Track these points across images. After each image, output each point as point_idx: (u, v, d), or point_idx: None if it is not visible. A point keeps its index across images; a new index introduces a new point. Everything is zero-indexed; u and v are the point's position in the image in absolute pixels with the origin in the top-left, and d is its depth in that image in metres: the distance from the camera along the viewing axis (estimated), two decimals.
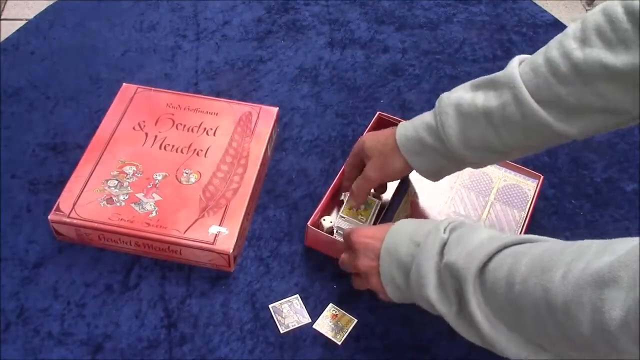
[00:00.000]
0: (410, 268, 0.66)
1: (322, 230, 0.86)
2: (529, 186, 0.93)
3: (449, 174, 0.82)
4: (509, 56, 1.19)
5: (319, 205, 0.87)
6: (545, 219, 0.91)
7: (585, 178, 1.00)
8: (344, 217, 0.86)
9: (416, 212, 0.89)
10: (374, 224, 0.86)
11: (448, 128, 0.74)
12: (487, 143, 0.73)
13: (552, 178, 0.98)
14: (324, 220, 0.87)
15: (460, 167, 0.79)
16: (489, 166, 0.95)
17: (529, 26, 1.26)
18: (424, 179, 0.83)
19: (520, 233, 0.87)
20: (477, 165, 0.79)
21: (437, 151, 0.77)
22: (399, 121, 0.92)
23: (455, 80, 1.13)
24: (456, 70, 1.15)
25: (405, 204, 0.88)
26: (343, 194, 0.90)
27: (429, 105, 1.09)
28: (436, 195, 0.91)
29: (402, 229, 0.70)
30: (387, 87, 1.12)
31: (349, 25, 1.24)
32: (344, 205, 0.87)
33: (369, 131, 0.96)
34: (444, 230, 0.66)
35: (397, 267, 0.68)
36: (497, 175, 0.95)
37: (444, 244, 0.64)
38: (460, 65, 1.16)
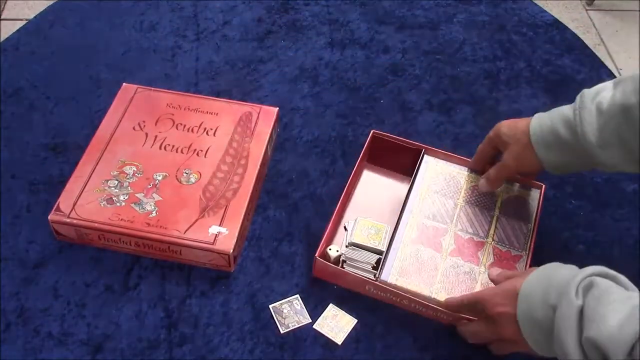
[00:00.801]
0: (552, 330, 0.64)
1: (329, 261, 0.84)
2: (532, 197, 0.91)
3: (574, 171, 0.81)
4: (508, 56, 1.19)
5: (325, 235, 0.84)
6: (545, 219, 0.91)
7: (585, 178, 1.00)
8: (354, 245, 0.85)
9: (424, 233, 0.86)
10: (388, 249, 0.84)
11: (587, 125, 0.72)
12: (622, 141, 0.71)
13: (552, 178, 0.98)
14: (329, 249, 0.84)
15: (588, 166, 0.78)
16: None
17: (529, 26, 1.26)
18: (428, 196, 0.87)
19: (529, 245, 0.86)
20: (605, 167, 0.76)
21: (569, 146, 0.75)
22: (395, 140, 0.93)
23: (455, 81, 1.13)
24: (456, 70, 1.15)
25: (411, 225, 0.87)
26: (347, 222, 0.89)
27: (429, 105, 1.09)
28: (442, 214, 0.88)
29: (532, 291, 0.67)
30: (387, 87, 1.12)
31: (349, 25, 1.24)
32: (351, 231, 0.86)
33: (365, 151, 0.94)
34: (576, 293, 0.62)
35: (539, 332, 0.66)
36: (500, 189, 0.92)
37: (581, 312, 0.61)
38: (460, 65, 1.16)
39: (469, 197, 0.91)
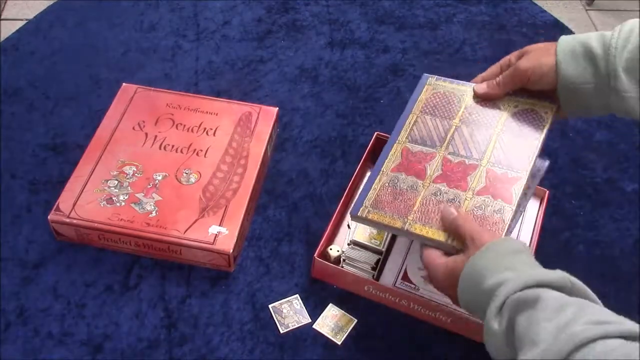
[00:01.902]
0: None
1: (329, 260, 0.83)
2: (543, 109, 0.77)
3: (583, 104, 0.74)
4: None
5: (325, 234, 0.84)
6: (545, 219, 0.91)
7: (585, 178, 1.00)
8: (355, 243, 0.84)
9: (406, 159, 0.77)
10: (388, 249, 0.84)
11: (624, 41, 0.69)
12: None
13: (552, 178, 0.98)
14: (330, 249, 0.84)
15: (602, 98, 0.72)
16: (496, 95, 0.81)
17: (529, 26, 1.26)
18: (419, 119, 0.79)
19: (532, 164, 0.75)
20: (620, 104, 0.70)
21: (594, 62, 0.71)
22: None
23: None
24: (456, 70, 1.15)
25: (395, 152, 0.79)
26: (349, 221, 0.88)
27: None
28: (432, 137, 0.79)
29: (465, 290, 0.64)
30: (387, 87, 1.12)
31: (349, 25, 1.24)
32: (354, 230, 0.85)
33: (368, 153, 0.94)
34: (497, 315, 0.58)
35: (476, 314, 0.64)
36: (507, 103, 0.79)
37: (507, 331, 0.58)
38: (460, 65, 1.16)
39: (467, 116, 0.80)
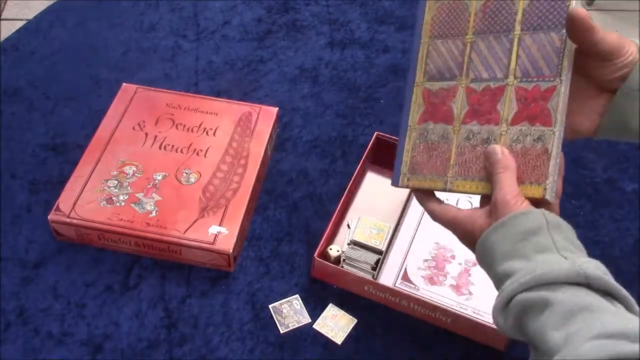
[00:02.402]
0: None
1: (329, 260, 0.84)
2: None
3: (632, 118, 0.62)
4: None
5: (325, 234, 0.84)
6: None
7: (585, 178, 1.00)
8: (355, 243, 0.84)
9: (430, 103, 0.68)
10: (387, 249, 0.84)
11: None
12: None
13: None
14: (330, 249, 0.85)
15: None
16: None
17: None
18: (431, 48, 0.69)
19: (564, 65, 0.61)
20: None
21: None
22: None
23: None
24: None
25: (416, 99, 0.69)
26: (349, 221, 0.88)
27: None
28: (449, 66, 0.68)
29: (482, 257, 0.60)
30: (387, 87, 1.12)
31: (349, 25, 1.24)
32: (354, 230, 0.85)
33: (368, 153, 0.93)
34: (502, 311, 0.55)
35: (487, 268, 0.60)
36: None
37: (512, 331, 0.55)
38: None
39: (480, 24, 0.67)
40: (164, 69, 1.12)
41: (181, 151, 0.92)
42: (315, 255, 0.82)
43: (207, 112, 0.98)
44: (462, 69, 0.67)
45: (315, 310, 0.82)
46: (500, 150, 0.61)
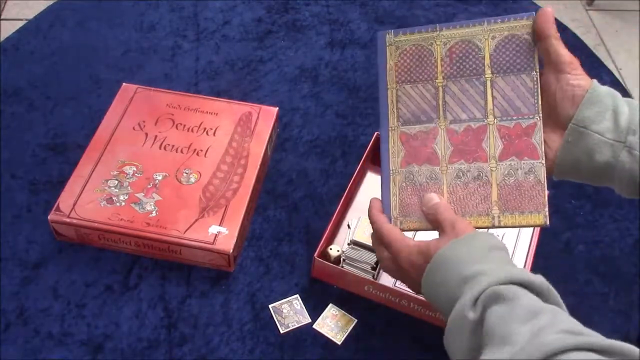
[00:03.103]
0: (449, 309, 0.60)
1: (329, 260, 0.84)
2: (526, 28, 0.67)
3: (585, 154, 0.64)
4: None
5: (325, 234, 0.84)
6: None
7: None
8: (355, 243, 0.84)
9: (410, 146, 0.69)
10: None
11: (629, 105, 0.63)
12: None
13: (552, 178, 0.98)
14: (330, 249, 0.84)
15: (611, 152, 0.63)
16: (471, 32, 0.69)
17: None
18: (400, 93, 0.69)
19: (538, 104, 0.66)
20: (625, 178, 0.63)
21: (615, 117, 0.63)
22: None
23: None
24: None
25: (394, 143, 0.70)
26: (350, 220, 0.88)
27: None
28: (424, 110, 0.69)
29: (437, 274, 0.61)
30: None
31: (349, 25, 1.24)
32: (354, 230, 0.85)
33: (368, 153, 0.93)
34: (474, 305, 0.56)
35: (438, 303, 0.63)
36: (483, 37, 0.68)
37: (477, 324, 0.56)
38: None
39: (449, 69, 0.69)
40: (164, 69, 1.12)
41: (181, 151, 0.92)
42: (315, 255, 0.82)
43: (207, 112, 0.98)
44: (439, 111, 0.69)
45: (315, 310, 0.82)
46: (438, 197, 0.67)
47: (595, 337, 0.50)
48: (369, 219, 0.70)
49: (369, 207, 0.70)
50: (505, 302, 0.54)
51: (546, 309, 0.54)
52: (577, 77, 0.64)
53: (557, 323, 0.51)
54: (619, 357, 0.47)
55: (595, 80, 0.65)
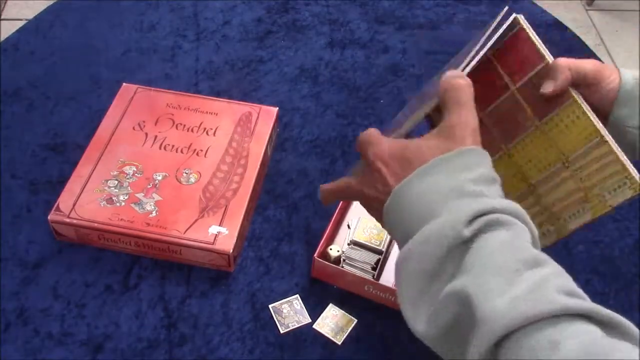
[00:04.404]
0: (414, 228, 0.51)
1: (329, 260, 0.83)
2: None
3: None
4: None
5: (325, 235, 0.84)
6: None
7: None
8: (355, 243, 0.84)
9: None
10: (387, 249, 0.84)
11: None
12: None
13: None
14: (330, 249, 0.84)
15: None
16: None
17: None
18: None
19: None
20: None
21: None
22: None
23: None
24: None
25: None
26: (351, 220, 0.88)
27: None
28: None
29: (424, 185, 0.52)
30: (387, 87, 1.12)
31: (349, 25, 1.24)
32: (354, 230, 0.85)
33: None
34: (470, 222, 0.48)
35: (401, 234, 0.53)
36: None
37: (457, 249, 0.48)
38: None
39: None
40: (164, 69, 1.12)
41: (181, 151, 0.92)
42: (315, 255, 0.82)
43: (207, 112, 0.98)
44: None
45: (315, 310, 0.82)
46: (464, 75, 0.58)
47: (602, 310, 0.44)
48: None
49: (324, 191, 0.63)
50: (510, 231, 0.48)
51: (550, 262, 0.48)
52: (608, 83, 0.66)
53: (561, 281, 0.46)
54: (618, 332, 0.43)
55: (622, 72, 0.66)
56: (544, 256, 0.48)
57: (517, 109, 0.66)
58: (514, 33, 0.66)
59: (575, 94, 0.63)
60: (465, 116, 0.55)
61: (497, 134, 0.67)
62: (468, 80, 0.57)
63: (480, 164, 0.53)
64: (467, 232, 0.48)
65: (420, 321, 0.50)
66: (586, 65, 0.65)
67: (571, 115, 0.63)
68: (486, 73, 0.67)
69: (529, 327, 0.42)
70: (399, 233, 0.54)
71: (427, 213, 0.51)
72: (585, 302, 0.44)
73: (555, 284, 0.45)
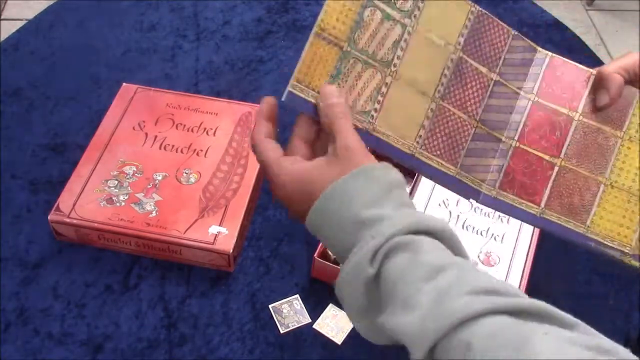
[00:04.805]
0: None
1: (329, 260, 0.83)
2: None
3: None
4: None
5: None
6: None
7: None
8: None
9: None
10: None
11: None
12: None
13: None
14: None
15: None
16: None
17: (529, 26, 1.26)
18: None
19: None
20: None
21: None
22: None
23: None
24: None
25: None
26: None
27: None
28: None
29: (327, 209, 0.53)
30: None
31: None
32: None
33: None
34: (373, 259, 0.49)
35: (331, 235, 0.53)
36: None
37: (371, 282, 0.49)
38: None
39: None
40: (164, 69, 1.12)
41: (181, 151, 0.92)
42: (315, 255, 0.82)
43: (207, 112, 0.98)
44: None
45: (315, 310, 0.82)
46: (336, 93, 0.59)
47: (510, 297, 0.44)
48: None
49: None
50: (407, 252, 0.48)
51: (453, 263, 0.48)
52: None
53: (466, 281, 0.46)
54: (537, 318, 0.43)
55: None
56: (448, 259, 0.48)
57: (592, 132, 0.62)
58: (547, 64, 0.63)
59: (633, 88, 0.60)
60: (347, 136, 0.56)
61: (587, 171, 0.62)
62: (340, 98, 0.59)
63: (373, 180, 0.52)
64: (371, 270, 0.48)
65: (369, 330, 0.55)
66: (627, 60, 0.62)
67: None
68: (540, 117, 0.62)
69: (444, 340, 0.44)
70: (330, 248, 0.55)
71: (341, 247, 0.52)
72: (491, 298, 0.44)
73: (459, 287, 0.45)
